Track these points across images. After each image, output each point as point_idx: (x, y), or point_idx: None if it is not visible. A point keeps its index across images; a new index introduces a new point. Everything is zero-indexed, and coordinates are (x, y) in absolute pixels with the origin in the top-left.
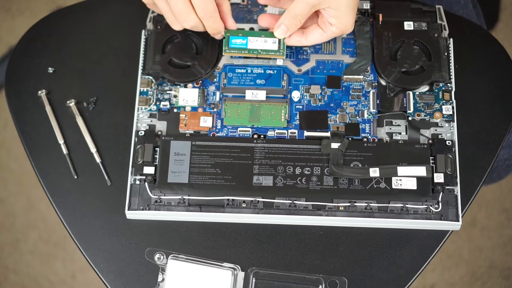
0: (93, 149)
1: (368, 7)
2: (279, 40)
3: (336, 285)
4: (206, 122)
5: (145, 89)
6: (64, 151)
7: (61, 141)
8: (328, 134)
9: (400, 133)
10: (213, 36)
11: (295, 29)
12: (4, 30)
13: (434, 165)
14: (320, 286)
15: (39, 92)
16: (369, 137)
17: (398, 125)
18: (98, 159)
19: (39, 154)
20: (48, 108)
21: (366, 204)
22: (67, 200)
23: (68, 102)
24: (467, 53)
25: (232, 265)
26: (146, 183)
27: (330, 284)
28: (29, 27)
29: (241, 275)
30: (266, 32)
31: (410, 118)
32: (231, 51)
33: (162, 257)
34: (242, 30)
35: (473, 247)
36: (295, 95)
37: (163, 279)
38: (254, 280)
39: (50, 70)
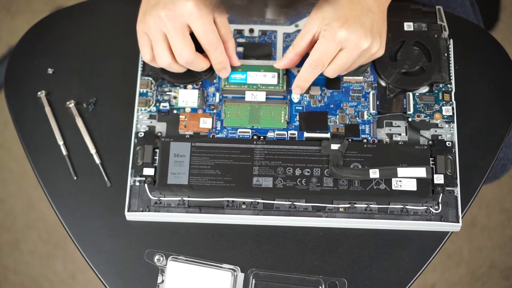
0: (92, 150)
1: None
2: (278, 74)
3: (336, 286)
4: (205, 123)
5: (144, 90)
6: (64, 152)
7: (60, 142)
8: (328, 135)
9: (400, 134)
10: (217, 73)
11: (308, 85)
12: (4, 30)
13: (434, 166)
14: (320, 287)
15: (39, 93)
16: (369, 138)
17: (398, 126)
18: (97, 160)
19: (38, 155)
20: (47, 109)
21: (366, 206)
22: (67, 201)
23: (67, 103)
24: (467, 53)
25: (232, 266)
26: (145, 185)
27: (330, 285)
28: (29, 27)
29: (241, 276)
30: (265, 66)
31: (410, 119)
32: (230, 86)
33: (161, 258)
34: (242, 66)
35: (473, 247)
36: (295, 96)
37: (162, 281)
38: (254, 281)
39: (50, 70)
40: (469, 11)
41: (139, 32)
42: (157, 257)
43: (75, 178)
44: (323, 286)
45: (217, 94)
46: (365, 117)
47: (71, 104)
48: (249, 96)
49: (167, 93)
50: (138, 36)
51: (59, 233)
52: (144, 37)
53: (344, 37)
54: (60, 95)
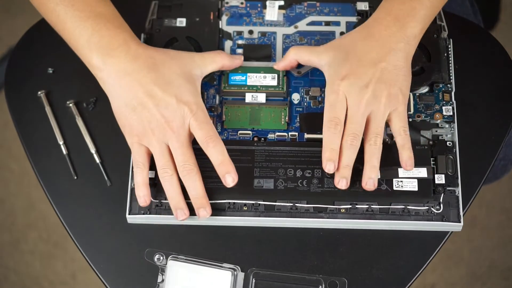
0: (92, 150)
1: (367, 8)
2: (278, 75)
3: (336, 286)
4: None
5: None
6: (64, 151)
7: (60, 141)
8: None
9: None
10: (198, 209)
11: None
12: (4, 30)
13: (435, 166)
14: (320, 286)
15: (39, 92)
16: None
17: None
18: (97, 160)
19: (38, 155)
20: (47, 109)
21: (367, 206)
22: (67, 200)
23: (67, 102)
24: (467, 53)
25: (232, 266)
26: None
27: (330, 284)
28: (29, 27)
29: (241, 275)
30: (265, 68)
31: (410, 120)
32: (230, 87)
33: (161, 257)
34: (241, 67)
35: (473, 247)
36: (295, 97)
37: (162, 280)
38: (254, 281)
39: (50, 70)
40: (469, 11)
41: (132, 143)
42: (157, 256)
43: (75, 177)
44: (323, 285)
45: (217, 96)
46: None
47: (71, 104)
48: (249, 97)
49: None
50: (131, 146)
51: (59, 233)
52: (141, 149)
53: (345, 90)
54: (60, 94)
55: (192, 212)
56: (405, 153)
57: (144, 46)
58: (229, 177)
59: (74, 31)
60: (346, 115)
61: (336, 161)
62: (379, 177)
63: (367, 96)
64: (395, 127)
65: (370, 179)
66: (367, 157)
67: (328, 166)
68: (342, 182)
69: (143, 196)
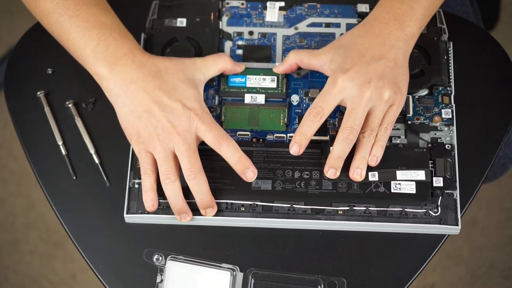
0: (92, 150)
1: (368, 10)
2: (278, 77)
3: (335, 286)
4: None
5: None
6: (63, 152)
7: (60, 142)
8: (327, 138)
9: (399, 137)
10: (203, 207)
11: (306, 141)
12: (4, 30)
13: (433, 169)
14: (319, 287)
15: (38, 92)
16: None
17: (397, 129)
18: (97, 160)
19: (38, 155)
20: (47, 109)
21: (365, 208)
22: (66, 201)
23: (67, 102)
24: (466, 54)
25: (231, 266)
26: None
27: (329, 285)
28: (28, 27)
29: (240, 276)
30: (264, 70)
31: (409, 122)
32: (230, 89)
33: (160, 258)
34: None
35: (473, 247)
36: (294, 98)
37: (161, 280)
38: (253, 281)
39: (49, 70)
40: (468, 10)
41: (139, 150)
42: (156, 256)
43: (75, 178)
44: (322, 285)
45: (216, 97)
46: None
47: (71, 104)
48: (249, 98)
49: None
50: (138, 154)
51: (59, 233)
52: (148, 155)
53: (344, 84)
54: (59, 95)
55: (193, 212)
56: (375, 149)
57: (148, 55)
58: (249, 172)
59: (79, 41)
60: (344, 112)
61: (303, 146)
62: (377, 178)
63: (370, 91)
64: (382, 121)
65: (358, 169)
66: (359, 148)
67: (293, 148)
68: (331, 171)
69: (151, 200)
